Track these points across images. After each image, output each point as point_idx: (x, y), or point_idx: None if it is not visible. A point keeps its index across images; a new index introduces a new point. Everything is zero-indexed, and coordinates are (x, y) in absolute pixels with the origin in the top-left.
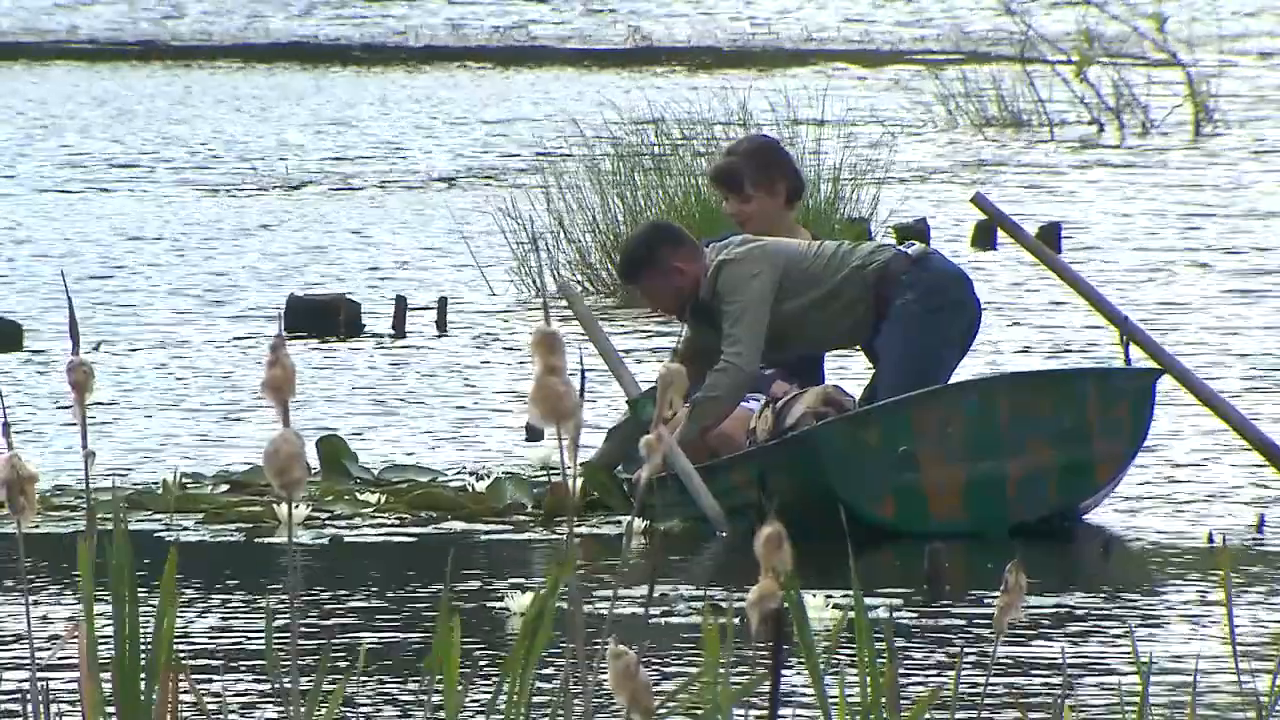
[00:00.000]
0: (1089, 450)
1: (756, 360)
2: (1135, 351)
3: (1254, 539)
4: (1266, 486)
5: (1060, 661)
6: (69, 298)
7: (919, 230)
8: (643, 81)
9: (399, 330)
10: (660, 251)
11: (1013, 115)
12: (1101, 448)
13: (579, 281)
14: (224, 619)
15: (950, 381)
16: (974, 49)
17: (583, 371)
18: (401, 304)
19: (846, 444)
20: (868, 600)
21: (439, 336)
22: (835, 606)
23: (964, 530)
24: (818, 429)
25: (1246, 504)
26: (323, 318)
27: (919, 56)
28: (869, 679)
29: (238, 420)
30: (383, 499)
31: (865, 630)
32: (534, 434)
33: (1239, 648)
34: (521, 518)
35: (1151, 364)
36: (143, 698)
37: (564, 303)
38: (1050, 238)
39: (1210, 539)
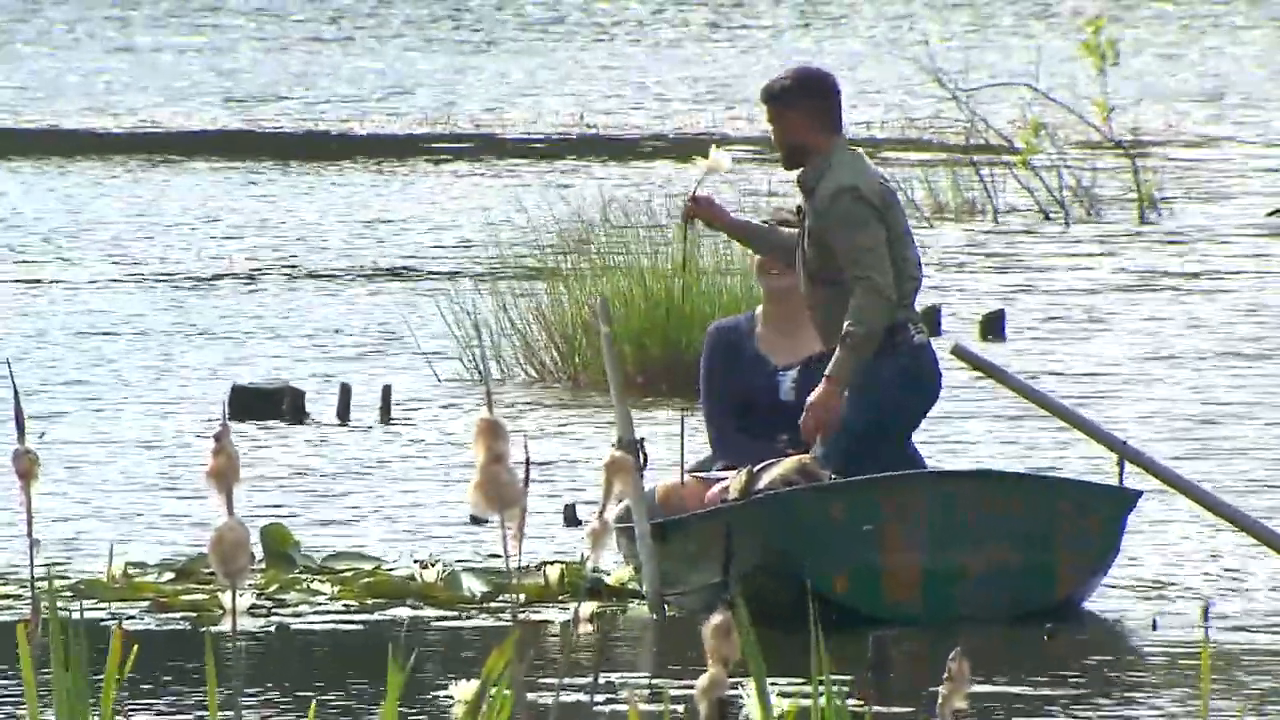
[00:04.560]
0: (1053, 561)
1: (889, 276)
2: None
3: (1199, 627)
4: (1210, 575)
5: None
6: (14, 387)
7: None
8: (586, 171)
9: (343, 418)
10: (786, 94)
11: (968, 203)
12: (1066, 561)
13: (523, 368)
14: (171, 708)
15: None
16: (919, 136)
17: (527, 459)
18: (346, 392)
19: (812, 513)
20: (803, 687)
21: (383, 424)
22: (781, 694)
23: (915, 619)
24: (787, 493)
25: (1193, 590)
26: (267, 406)
27: (865, 143)
28: None
29: (183, 508)
30: (336, 589)
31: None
32: (478, 521)
33: None
34: (495, 605)
35: (1138, 487)
36: None
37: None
38: (995, 325)
39: (1155, 625)
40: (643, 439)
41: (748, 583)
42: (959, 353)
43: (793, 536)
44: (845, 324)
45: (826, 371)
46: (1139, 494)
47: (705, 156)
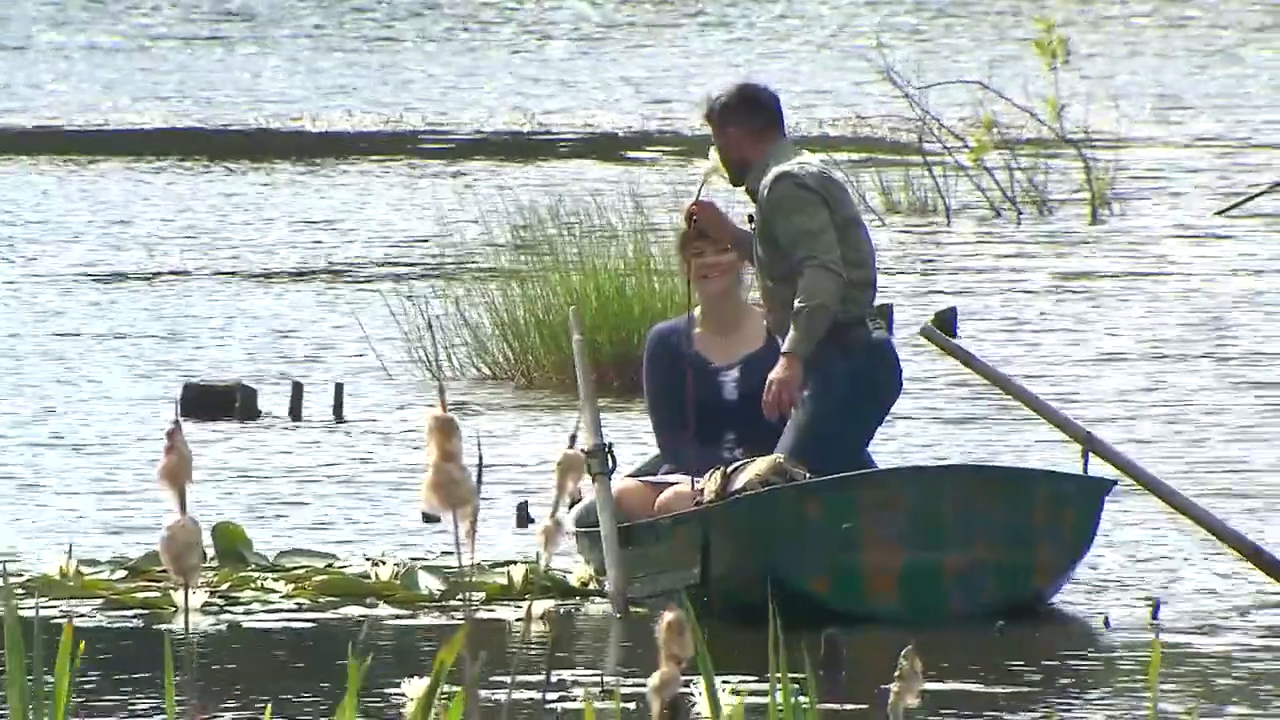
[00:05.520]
0: (1031, 553)
1: (836, 254)
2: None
3: (1148, 625)
4: (1161, 572)
5: None
6: None
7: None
8: (529, 169)
9: (296, 416)
10: (725, 110)
11: (920, 202)
12: (1043, 552)
13: (477, 367)
14: (123, 706)
15: (896, 466)
16: (870, 134)
17: (480, 458)
18: (298, 390)
19: (790, 514)
20: (759, 685)
21: (336, 422)
22: (734, 692)
23: (897, 617)
24: (764, 494)
25: (1141, 589)
26: (219, 404)
27: (817, 142)
28: None
29: (133, 506)
30: (290, 587)
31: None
32: (430, 519)
33: None
34: (452, 604)
35: (1106, 475)
36: None
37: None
38: (946, 322)
39: (1107, 623)
40: (611, 443)
41: (726, 583)
42: (928, 334)
43: (773, 536)
44: (795, 303)
45: (783, 350)
46: (1113, 483)
47: (705, 158)
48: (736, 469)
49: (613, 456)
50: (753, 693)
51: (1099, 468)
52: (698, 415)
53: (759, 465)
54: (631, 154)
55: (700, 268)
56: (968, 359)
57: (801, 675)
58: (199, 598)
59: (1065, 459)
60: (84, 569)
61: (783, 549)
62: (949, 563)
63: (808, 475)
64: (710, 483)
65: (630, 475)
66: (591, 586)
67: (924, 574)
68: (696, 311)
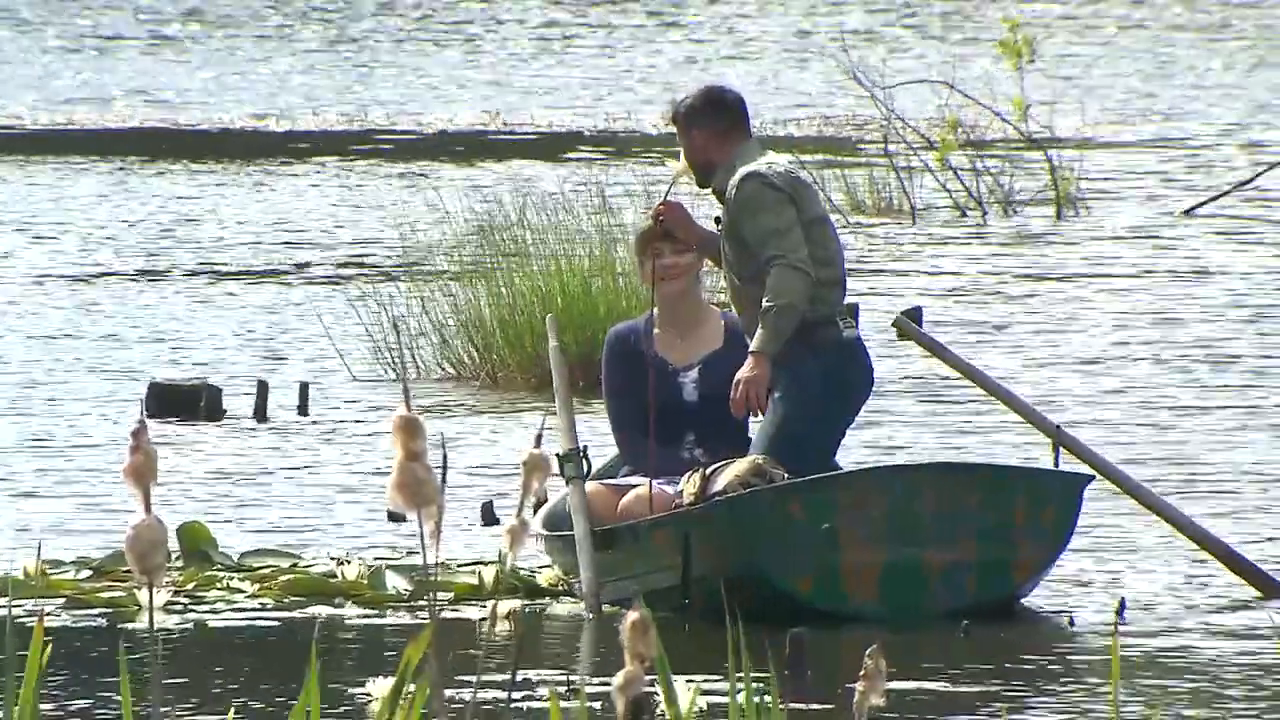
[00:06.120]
0: (1011, 551)
1: (804, 252)
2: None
3: (1114, 624)
4: (1125, 573)
5: None
6: None
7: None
8: (494, 168)
9: (261, 416)
10: (691, 113)
11: (885, 202)
12: (1024, 550)
13: (442, 366)
14: (88, 705)
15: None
16: (836, 133)
17: (445, 457)
18: (263, 389)
19: (771, 514)
20: (725, 684)
21: (301, 421)
22: (700, 692)
23: (880, 616)
24: (745, 496)
25: (1107, 588)
26: (184, 404)
27: (783, 142)
28: None
29: (99, 506)
30: (256, 587)
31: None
32: (396, 518)
33: None
34: (418, 604)
35: (1082, 468)
36: None
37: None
38: (912, 321)
39: (1071, 622)
40: (585, 446)
41: (707, 585)
42: (901, 325)
43: (755, 538)
44: (764, 301)
45: (751, 348)
46: (1091, 478)
47: (677, 160)
48: (715, 471)
49: (587, 460)
50: (724, 692)
51: (1069, 462)
52: (657, 416)
53: (738, 467)
54: (597, 153)
55: (658, 269)
56: (939, 350)
57: (765, 675)
58: (163, 597)
59: (1036, 456)
60: (49, 569)
61: (765, 550)
62: (930, 561)
63: (786, 476)
64: (689, 485)
65: (591, 478)
66: (560, 588)
67: (905, 573)
68: (655, 312)
